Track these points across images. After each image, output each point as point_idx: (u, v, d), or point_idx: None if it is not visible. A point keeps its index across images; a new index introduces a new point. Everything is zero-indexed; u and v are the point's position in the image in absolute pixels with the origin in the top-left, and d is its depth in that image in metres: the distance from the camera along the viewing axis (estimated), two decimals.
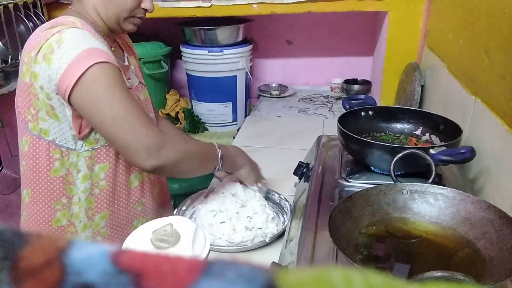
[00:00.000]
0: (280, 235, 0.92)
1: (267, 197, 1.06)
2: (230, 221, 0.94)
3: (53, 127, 0.86)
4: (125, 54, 1.03)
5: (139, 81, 1.04)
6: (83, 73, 0.77)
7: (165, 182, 1.15)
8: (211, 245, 0.68)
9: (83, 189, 0.92)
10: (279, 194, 1.06)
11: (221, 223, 0.94)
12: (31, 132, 0.87)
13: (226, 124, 2.01)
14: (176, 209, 1.04)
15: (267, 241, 0.91)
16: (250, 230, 0.93)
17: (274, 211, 1.01)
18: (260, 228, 0.93)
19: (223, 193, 1.04)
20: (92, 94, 0.79)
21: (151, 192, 1.04)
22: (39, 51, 0.79)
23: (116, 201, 0.96)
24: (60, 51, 0.78)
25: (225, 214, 0.96)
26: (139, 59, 1.85)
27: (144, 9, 0.92)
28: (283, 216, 1.01)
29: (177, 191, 2.17)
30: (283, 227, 0.94)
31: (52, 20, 0.85)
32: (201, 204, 1.03)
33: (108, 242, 0.97)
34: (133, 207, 1.00)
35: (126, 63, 1.00)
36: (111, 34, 0.95)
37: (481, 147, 0.92)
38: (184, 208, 1.05)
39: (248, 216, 0.96)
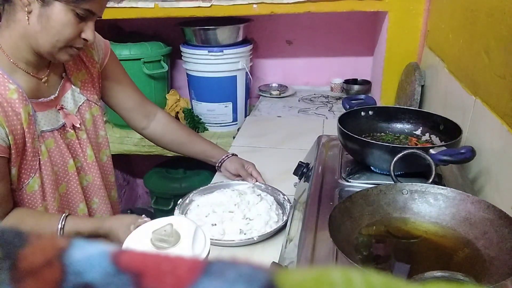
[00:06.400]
0: (275, 234, 0.93)
1: (274, 197, 1.06)
2: (221, 224, 0.94)
3: None
4: (64, 76, 0.97)
5: (86, 99, 1.01)
6: None
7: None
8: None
9: None
10: (283, 195, 1.05)
11: (212, 225, 0.94)
12: None
13: (226, 124, 2.01)
14: (180, 200, 1.05)
15: (255, 239, 0.90)
16: (245, 234, 0.92)
17: (278, 214, 0.99)
18: (258, 231, 0.93)
19: (230, 191, 1.04)
20: None
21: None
22: None
23: None
24: None
25: (219, 215, 0.96)
26: (139, 59, 1.88)
27: (84, 39, 0.85)
28: (284, 217, 1.00)
29: (177, 190, 2.18)
30: (275, 228, 0.93)
31: None
32: (201, 200, 1.04)
33: None
34: None
35: (56, 94, 0.94)
36: (43, 61, 0.89)
37: (481, 147, 0.92)
38: (187, 201, 1.05)
39: (247, 218, 0.95)
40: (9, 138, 0.82)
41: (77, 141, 1.00)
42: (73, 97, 0.98)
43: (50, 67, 0.94)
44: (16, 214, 0.89)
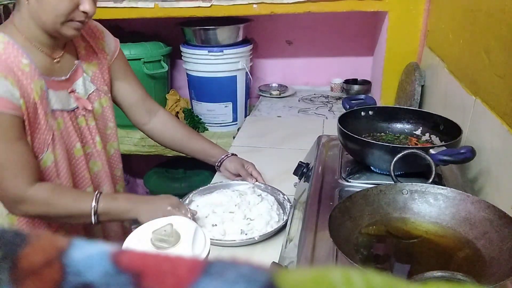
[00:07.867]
0: (275, 234, 0.93)
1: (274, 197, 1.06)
2: (222, 225, 0.94)
3: None
4: (77, 62, 0.99)
5: (96, 88, 1.03)
6: None
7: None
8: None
9: None
10: (283, 194, 1.06)
11: (212, 225, 0.94)
12: None
13: (226, 124, 2.01)
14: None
15: (256, 239, 0.91)
16: (246, 234, 0.92)
17: (278, 214, 1.00)
18: (259, 231, 0.93)
19: (231, 191, 1.04)
20: None
21: None
22: None
23: None
24: None
25: (219, 216, 0.96)
26: (139, 59, 1.88)
27: (83, 12, 0.86)
28: (284, 216, 1.01)
29: (177, 190, 2.18)
30: (276, 228, 0.93)
31: None
32: (200, 201, 1.03)
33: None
34: None
35: (68, 76, 0.96)
36: (56, 41, 0.92)
37: (481, 147, 0.92)
38: (187, 202, 1.05)
39: (248, 218, 0.95)
40: (21, 101, 0.84)
41: (86, 126, 1.01)
42: (84, 85, 1.01)
43: (65, 49, 0.96)
44: (51, 187, 0.91)
